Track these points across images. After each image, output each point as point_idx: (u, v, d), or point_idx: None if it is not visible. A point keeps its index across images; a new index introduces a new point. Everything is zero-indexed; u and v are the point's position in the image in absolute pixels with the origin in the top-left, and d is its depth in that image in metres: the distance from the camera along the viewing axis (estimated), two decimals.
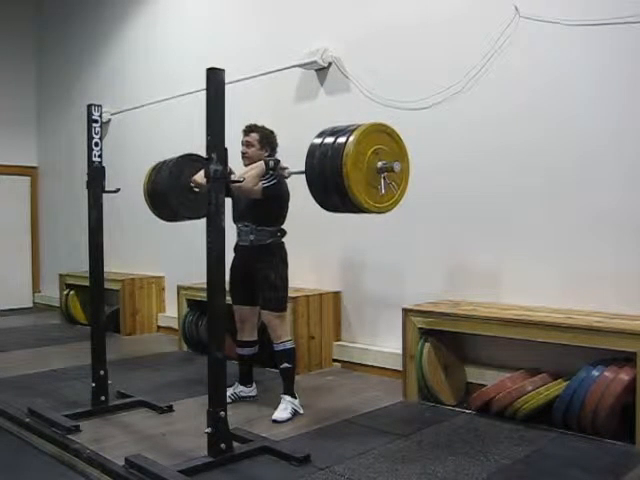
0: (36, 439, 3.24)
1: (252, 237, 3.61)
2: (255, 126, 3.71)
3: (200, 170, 3.44)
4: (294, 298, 4.47)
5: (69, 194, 7.77)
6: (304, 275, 4.88)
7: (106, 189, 3.63)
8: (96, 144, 3.60)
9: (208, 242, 2.81)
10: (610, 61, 3.54)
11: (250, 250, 3.62)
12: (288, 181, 3.56)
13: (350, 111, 4.79)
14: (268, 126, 3.83)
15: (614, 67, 3.52)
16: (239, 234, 3.69)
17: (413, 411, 3.68)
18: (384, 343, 4.52)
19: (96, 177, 3.60)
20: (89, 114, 3.62)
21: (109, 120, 7.12)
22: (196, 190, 3.81)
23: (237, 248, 3.73)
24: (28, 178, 8.64)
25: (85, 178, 3.63)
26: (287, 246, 3.71)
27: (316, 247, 4.97)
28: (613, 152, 3.54)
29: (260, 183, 3.43)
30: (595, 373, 3.13)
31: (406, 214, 4.38)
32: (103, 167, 3.62)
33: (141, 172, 6.77)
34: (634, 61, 3.45)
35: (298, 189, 5.22)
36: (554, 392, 3.25)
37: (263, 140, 3.67)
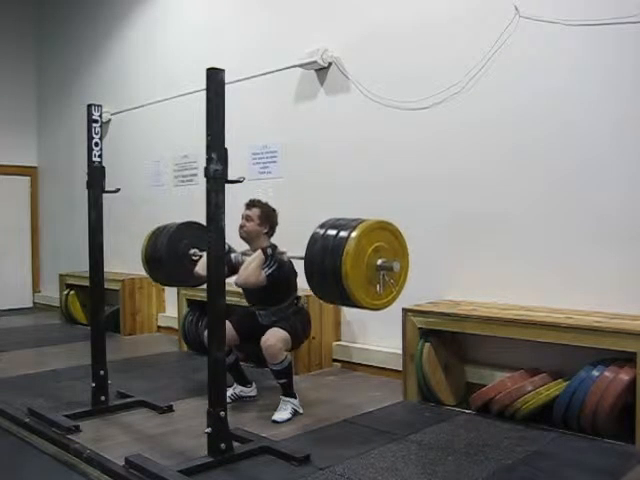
0: (36, 439, 3.24)
1: (274, 318, 3.63)
2: (258, 202, 3.70)
3: (202, 257, 3.53)
4: None
5: (69, 194, 7.77)
6: (303, 275, 4.87)
7: (106, 189, 3.63)
8: (96, 144, 3.60)
9: (208, 242, 2.81)
10: (611, 61, 3.53)
11: (272, 324, 3.61)
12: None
13: (350, 111, 4.81)
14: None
15: (615, 67, 3.52)
16: (259, 315, 3.69)
17: (413, 411, 3.68)
18: (384, 343, 4.52)
19: (96, 177, 3.60)
20: (89, 114, 3.61)
21: (109, 120, 7.12)
22: (194, 259, 3.87)
23: (257, 320, 3.73)
24: (28, 178, 8.64)
25: (85, 178, 3.62)
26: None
27: None
28: (614, 152, 3.53)
29: (263, 272, 3.44)
30: (595, 373, 3.13)
31: (406, 214, 4.39)
32: (103, 167, 3.62)
33: (141, 172, 6.74)
34: (635, 61, 3.45)
35: (297, 189, 5.25)
36: (554, 392, 3.25)
37: (263, 217, 3.65)
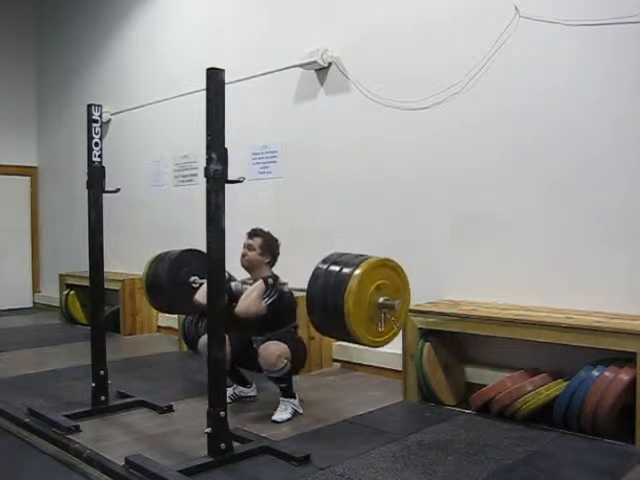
0: (36, 439, 3.24)
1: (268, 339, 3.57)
2: (261, 231, 3.67)
3: (202, 286, 3.51)
4: None
5: (69, 194, 7.77)
6: (303, 275, 4.87)
7: (106, 189, 3.62)
8: (96, 144, 3.60)
9: (208, 243, 2.81)
10: (611, 61, 3.54)
11: None
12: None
13: (350, 111, 4.80)
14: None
15: (615, 67, 3.52)
16: (254, 341, 3.63)
17: (413, 411, 3.68)
18: None
19: (96, 177, 3.60)
20: (89, 114, 3.61)
21: (109, 120, 7.11)
22: (194, 286, 3.87)
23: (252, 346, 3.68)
24: (28, 178, 8.64)
25: (85, 178, 3.62)
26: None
27: (315, 247, 4.96)
28: (614, 152, 3.53)
29: (263, 302, 3.43)
30: (595, 373, 3.13)
31: (406, 214, 4.40)
32: (103, 167, 3.61)
33: (141, 172, 6.74)
34: (635, 61, 3.45)
35: (297, 189, 5.25)
36: (554, 392, 3.25)
37: (265, 246, 3.63)
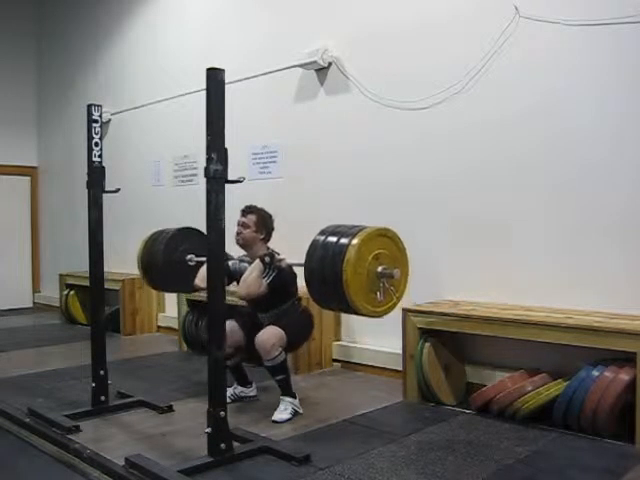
0: (36, 439, 3.24)
1: (274, 320, 3.61)
2: (255, 208, 3.68)
3: (201, 269, 3.51)
4: None
5: (69, 194, 7.77)
6: (303, 275, 4.88)
7: (106, 189, 3.63)
8: (96, 144, 3.60)
9: (208, 243, 2.81)
10: (611, 61, 3.54)
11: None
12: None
13: (350, 111, 4.80)
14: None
15: (615, 67, 3.52)
16: (260, 317, 3.70)
17: (413, 411, 3.68)
18: (384, 343, 4.52)
19: (96, 177, 3.60)
20: (89, 114, 3.61)
21: (109, 120, 7.11)
22: (190, 264, 3.87)
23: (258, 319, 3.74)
24: (28, 178, 8.64)
25: (85, 178, 3.62)
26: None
27: None
28: (614, 153, 3.53)
29: (263, 281, 3.44)
30: (595, 373, 3.13)
31: (406, 213, 4.39)
32: (103, 167, 3.62)
33: (141, 172, 6.74)
34: (635, 61, 3.45)
35: (297, 189, 5.25)
36: (554, 392, 3.25)
37: (260, 223, 3.64)
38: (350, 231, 2.93)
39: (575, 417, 3.15)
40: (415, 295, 4.13)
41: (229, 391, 3.71)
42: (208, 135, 2.77)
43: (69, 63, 8.01)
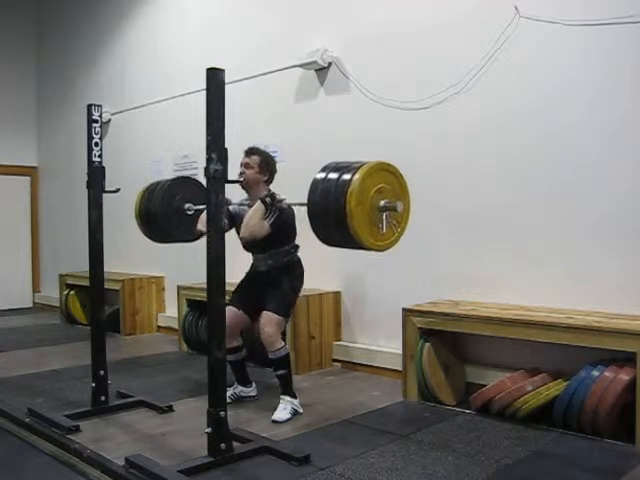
0: (36, 439, 3.24)
1: (270, 262, 3.64)
2: (257, 149, 3.67)
3: (202, 214, 3.48)
4: None
5: (69, 194, 7.77)
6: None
7: (106, 189, 3.63)
8: (96, 144, 3.60)
9: (208, 242, 2.81)
10: (611, 61, 3.53)
11: (267, 273, 3.66)
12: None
13: (350, 111, 4.80)
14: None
15: (615, 67, 3.52)
16: (255, 261, 3.72)
17: (413, 411, 3.68)
18: (384, 343, 4.52)
19: (96, 177, 3.60)
20: (89, 114, 3.62)
21: (109, 120, 7.12)
22: (189, 213, 3.86)
23: (254, 272, 3.75)
24: (28, 178, 8.64)
25: (85, 178, 3.63)
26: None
27: (316, 247, 4.96)
28: (614, 153, 3.53)
29: (266, 222, 3.43)
30: (595, 373, 3.13)
31: None
32: (103, 167, 3.62)
33: (141, 172, 6.76)
34: (635, 61, 3.45)
35: (297, 189, 5.23)
36: (554, 392, 3.25)
37: (263, 164, 3.63)
38: (352, 166, 2.91)
39: (575, 417, 3.15)
40: (415, 295, 4.15)
41: (229, 391, 3.71)
42: (208, 135, 2.77)
43: (69, 63, 8.01)
